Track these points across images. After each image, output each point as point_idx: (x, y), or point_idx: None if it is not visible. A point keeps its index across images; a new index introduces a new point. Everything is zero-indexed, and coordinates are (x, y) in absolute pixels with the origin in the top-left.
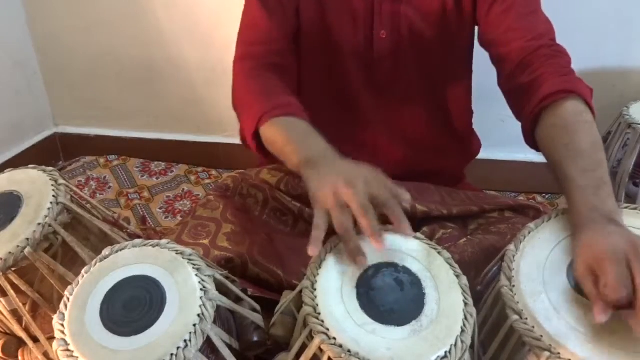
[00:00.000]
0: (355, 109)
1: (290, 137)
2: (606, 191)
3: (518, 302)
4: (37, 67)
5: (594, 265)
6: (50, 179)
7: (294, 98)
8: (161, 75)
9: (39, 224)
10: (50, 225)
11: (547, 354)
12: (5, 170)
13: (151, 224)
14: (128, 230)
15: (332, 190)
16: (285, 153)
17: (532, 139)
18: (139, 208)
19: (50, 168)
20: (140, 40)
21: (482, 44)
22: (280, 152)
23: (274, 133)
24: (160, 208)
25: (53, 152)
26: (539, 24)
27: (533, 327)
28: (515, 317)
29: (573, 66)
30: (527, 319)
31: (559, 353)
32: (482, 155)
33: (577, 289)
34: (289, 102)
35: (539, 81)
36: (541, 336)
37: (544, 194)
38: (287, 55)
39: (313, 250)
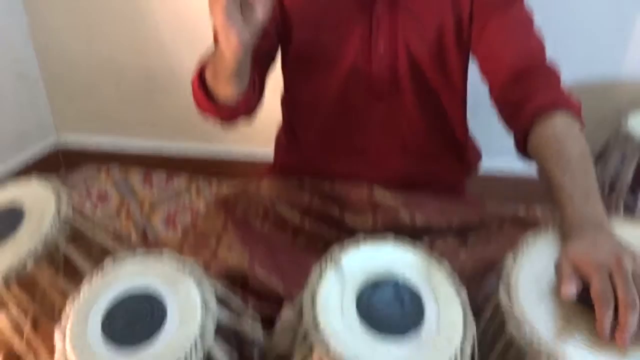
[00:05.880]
0: (353, 117)
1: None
2: (595, 199)
3: (516, 313)
4: (39, 78)
5: (579, 273)
6: (53, 191)
7: None
8: (162, 85)
9: (41, 236)
10: (52, 238)
11: None
12: (8, 182)
13: (152, 236)
14: (129, 243)
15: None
16: None
17: (523, 149)
18: (139, 220)
19: (53, 179)
20: (141, 50)
21: (473, 55)
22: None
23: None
24: (161, 220)
25: (54, 163)
26: (531, 43)
27: (532, 337)
28: (514, 327)
29: (570, 78)
30: (526, 329)
31: None
32: (483, 165)
33: (576, 298)
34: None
35: (530, 95)
36: (540, 346)
37: (543, 206)
38: None
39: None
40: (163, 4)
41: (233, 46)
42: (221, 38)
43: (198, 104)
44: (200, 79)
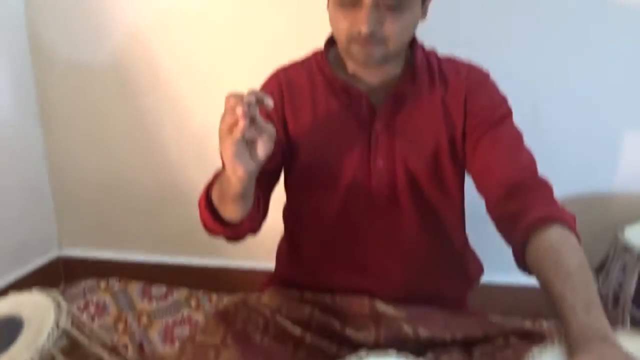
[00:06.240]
0: (353, 232)
1: None
2: (597, 311)
3: None
4: (49, 193)
5: None
6: (53, 303)
7: None
8: (167, 200)
9: (37, 348)
10: (48, 350)
11: None
12: (9, 293)
13: (149, 349)
14: (125, 356)
15: None
16: None
17: (522, 263)
18: (136, 334)
19: (54, 292)
20: (148, 168)
21: (468, 172)
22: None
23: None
24: (159, 333)
25: (55, 275)
26: (522, 158)
27: None
28: None
29: (564, 193)
30: None
31: None
32: (486, 278)
33: None
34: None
35: (525, 210)
36: None
37: (549, 320)
38: None
39: None
40: (171, 123)
41: (239, 175)
42: (228, 167)
43: (204, 223)
44: (207, 199)
